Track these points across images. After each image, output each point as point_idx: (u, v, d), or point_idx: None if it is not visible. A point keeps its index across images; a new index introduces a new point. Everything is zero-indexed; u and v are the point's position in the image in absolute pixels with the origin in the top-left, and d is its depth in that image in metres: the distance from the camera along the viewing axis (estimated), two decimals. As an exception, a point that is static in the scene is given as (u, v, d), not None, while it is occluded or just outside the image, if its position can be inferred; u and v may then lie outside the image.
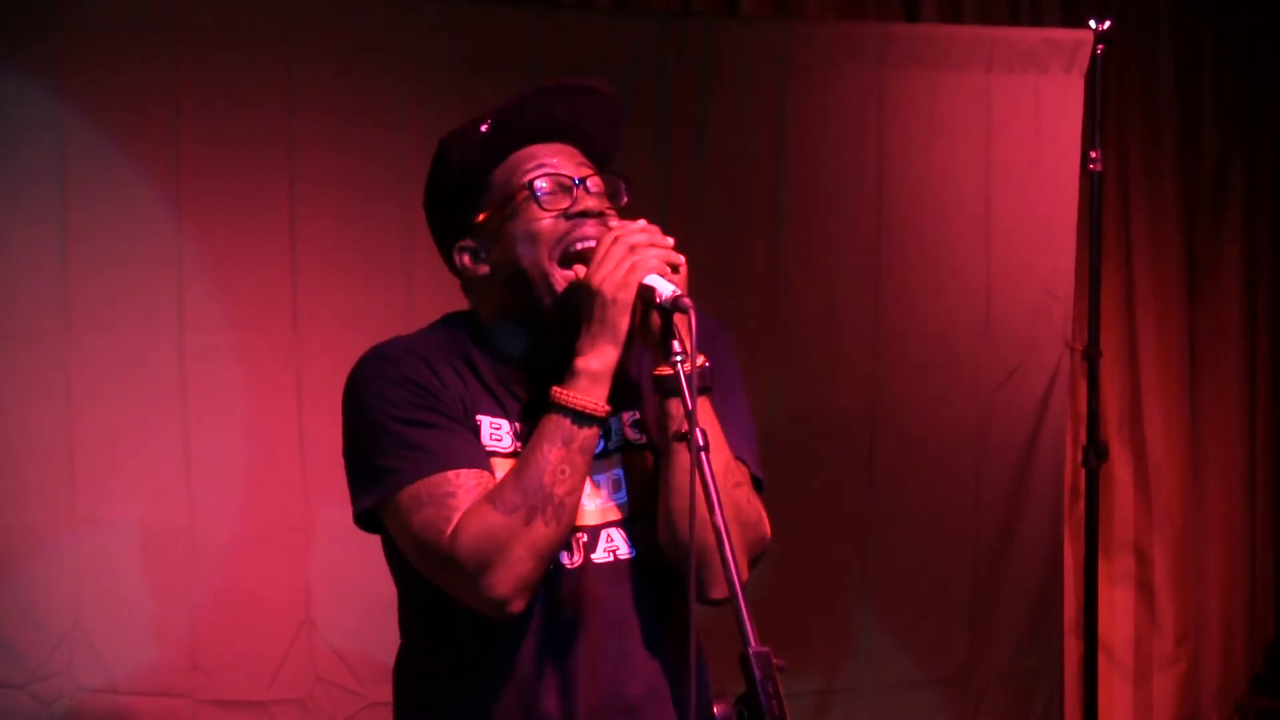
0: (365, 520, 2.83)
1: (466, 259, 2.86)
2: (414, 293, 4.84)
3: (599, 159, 2.88)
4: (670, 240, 2.69)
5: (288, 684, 4.77)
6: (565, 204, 2.75)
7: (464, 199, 2.86)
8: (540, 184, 2.77)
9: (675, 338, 2.56)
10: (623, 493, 2.81)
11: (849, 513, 5.27)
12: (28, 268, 4.62)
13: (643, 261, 2.61)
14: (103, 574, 4.65)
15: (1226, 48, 5.86)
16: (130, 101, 4.68)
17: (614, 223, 2.73)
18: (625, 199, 2.84)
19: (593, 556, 2.77)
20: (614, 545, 2.79)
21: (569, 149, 2.83)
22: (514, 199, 2.78)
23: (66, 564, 4.63)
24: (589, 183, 2.78)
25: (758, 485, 2.84)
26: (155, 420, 4.68)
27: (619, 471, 2.81)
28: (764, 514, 2.81)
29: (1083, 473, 5.24)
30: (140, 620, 4.69)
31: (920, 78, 5.28)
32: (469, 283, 2.89)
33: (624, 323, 2.62)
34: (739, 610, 2.34)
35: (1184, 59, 5.82)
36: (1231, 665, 5.97)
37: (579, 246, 2.71)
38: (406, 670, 2.95)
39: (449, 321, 2.94)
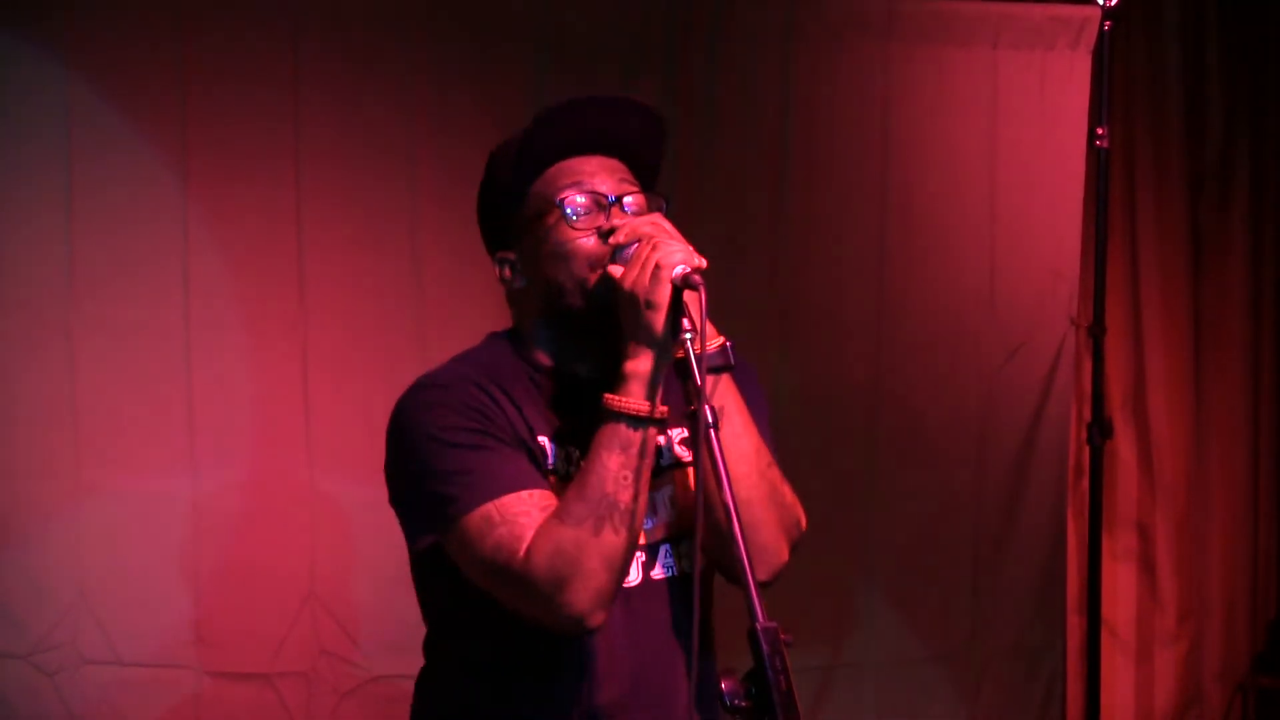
0: (423, 555, 2.75)
1: (506, 271, 2.82)
2: (420, 263, 4.85)
3: (642, 172, 2.83)
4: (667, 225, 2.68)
5: (292, 657, 4.78)
6: (599, 222, 2.71)
7: (507, 209, 2.82)
8: (572, 202, 2.72)
9: (685, 315, 2.54)
10: (672, 510, 2.79)
11: (852, 489, 5.28)
12: (34, 237, 4.63)
13: (667, 258, 2.57)
14: (107, 545, 4.66)
15: (1233, 23, 5.84)
16: (136, 74, 4.69)
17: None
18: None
19: (651, 574, 2.76)
20: (669, 562, 2.78)
21: (610, 162, 2.78)
22: (547, 216, 2.74)
23: (70, 535, 4.65)
24: (626, 201, 2.74)
25: None
26: (160, 391, 4.70)
27: (671, 488, 2.79)
28: (798, 502, 2.80)
29: (1086, 450, 5.23)
30: (144, 592, 4.70)
31: (926, 53, 5.28)
32: (510, 293, 2.86)
33: (658, 322, 2.57)
34: (747, 586, 2.33)
35: (1191, 35, 5.80)
36: (1234, 643, 5.97)
37: (617, 238, 2.67)
38: (436, 704, 2.90)
39: (492, 341, 2.89)
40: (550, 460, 2.72)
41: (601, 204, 2.72)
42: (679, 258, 2.55)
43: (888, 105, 5.27)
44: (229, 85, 4.74)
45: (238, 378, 4.75)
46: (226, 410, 4.74)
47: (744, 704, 2.28)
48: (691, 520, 2.73)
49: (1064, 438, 5.46)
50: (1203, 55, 5.84)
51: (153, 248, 4.71)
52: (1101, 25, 5.10)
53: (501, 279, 2.83)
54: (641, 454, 2.58)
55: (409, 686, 2.99)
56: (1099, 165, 5.08)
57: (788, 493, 2.75)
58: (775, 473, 2.72)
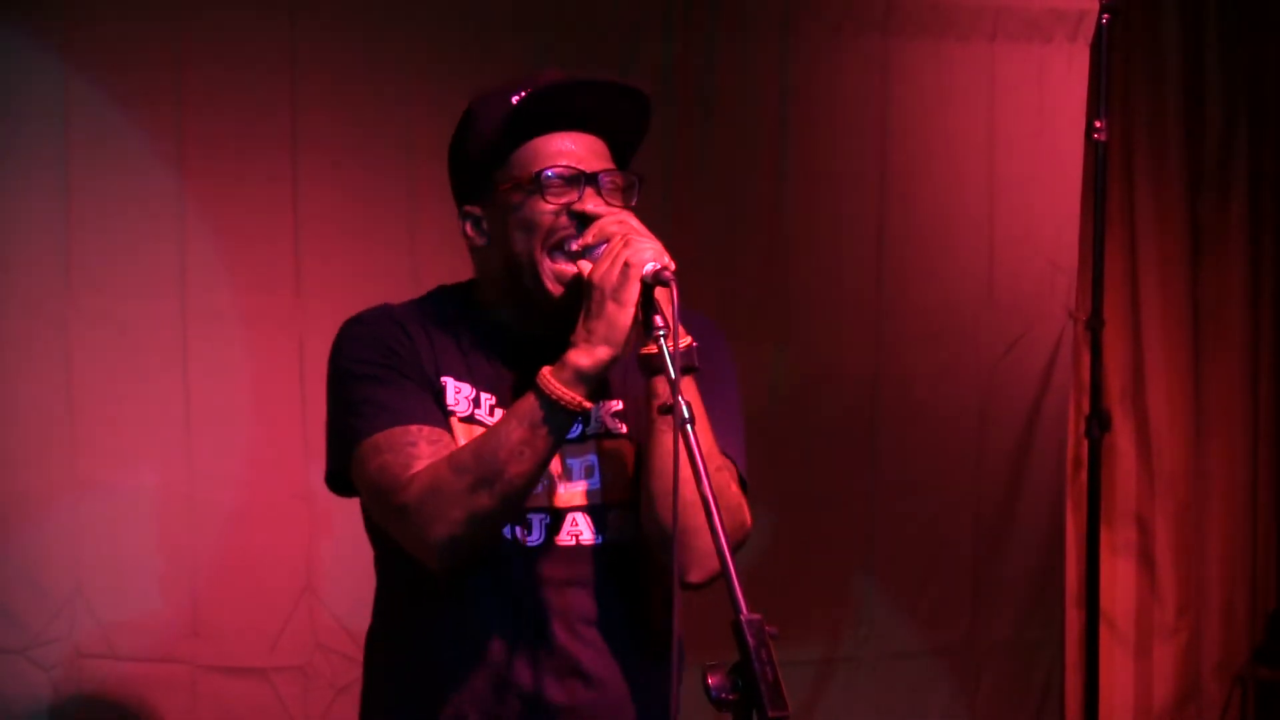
0: (336, 483, 2.87)
1: (469, 226, 2.89)
2: (418, 256, 4.85)
3: (621, 150, 2.87)
4: (633, 221, 2.70)
5: (288, 651, 4.78)
6: (570, 198, 2.75)
7: (482, 167, 2.86)
8: (551, 176, 2.76)
9: (657, 312, 2.56)
10: (595, 479, 2.81)
11: (851, 483, 5.28)
12: (29, 229, 4.62)
13: (638, 256, 2.59)
14: (103, 539, 4.65)
15: (1232, 15, 5.83)
16: (133, 65, 4.68)
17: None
18: (634, 200, 2.82)
19: (556, 538, 2.78)
20: (578, 530, 2.79)
21: (592, 140, 2.82)
22: (524, 185, 2.78)
23: (67, 529, 4.64)
24: (603, 179, 2.77)
25: (742, 484, 2.83)
26: (156, 384, 4.69)
27: (593, 458, 2.82)
28: (745, 504, 2.80)
29: (1085, 443, 5.23)
30: (141, 586, 4.69)
31: (924, 47, 5.28)
32: (470, 248, 2.92)
33: (622, 320, 2.60)
34: (729, 578, 2.33)
35: (1189, 27, 5.79)
36: (1233, 636, 5.97)
37: (574, 245, 2.71)
38: (375, 644, 2.98)
39: (440, 291, 2.99)
40: (451, 400, 2.78)
41: (576, 181, 2.75)
42: (649, 255, 2.58)
43: (886, 98, 5.27)
44: (225, 76, 4.73)
45: (234, 371, 4.75)
46: (223, 403, 4.73)
47: (731, 697, 2.27)
48: (620, 492, 2.79)
49: (1062, 431, 5.46)
50: (1201, 47, 5.83)
51: (149, 240, 4.70)
52: (1099, 18, 5.09)
53: (464, 233, 2.89)
54: (550, 438, 2.62)
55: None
56: (1097, 158, 5.08)
57: (735, 495, 2.75)
58: (723, 476, 2.71)
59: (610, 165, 2.81)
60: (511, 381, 2.80)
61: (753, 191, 5.18)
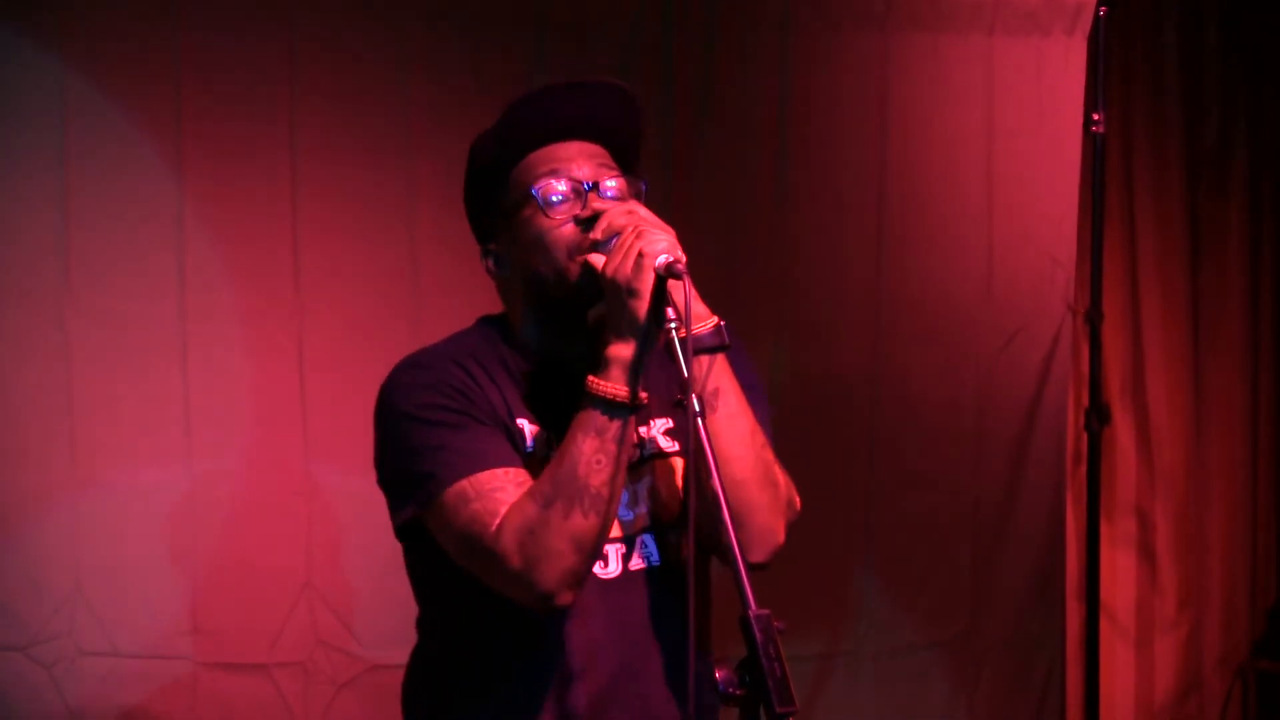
0: (406, 531, 2.79)
1: (491, 263, 2.87)
2: (417, 254, 4.85)
3: (622, 154, 2.85)
4: (643, 211, 2.68)
5: (289, 647, 4.78)
6: (576, 210, 2.73)
7: (488, 199, 2.86)
8: (547, 191, 2.75)
9: (669, 304, 2.55)
10: (655, 499, 2.80)
11: (850, 477, 5.28)
12: (29, 229, 4.62)
13: (650, 247, 2.57)
14: (103, 537, 4.66)
15: (1230, 7, 5.83)
16: (131, 61, 4.68)
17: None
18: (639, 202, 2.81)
19: (630, 566, 2.76)
20: (648, 551, 2.78)
21: (589, 147, 2.80)
22: (524, 206, 2.77)
23: (67, 527, 4.64)
24: (603, 186, 2.75)
25: None
26: (155, 382, 4.69)
27: (651, 479, 2.80)
28: (792, 487, 2.81)
29: (1085, 436, 5.23)
30: (141, 583, 4.70)
31: (923, 41, 5.27)
32: (498, 285, 2.89)
33: (641, 310, 2.58)
34: (738, 573, 2.33)
35: (1187, 20, 5.79)
36: (1233, 629, 5.97)
37: (595, 235, 2.68)
38: (425, 681, 2.93)
39: (482, 325, 2.92)
40: (529, 443, 2.75)
41: (579, 191, 2.73)
42: (662, 246, 2.57)
43: (884, 93, 5.26)
44: (224, 77, 4.73)
45: (233, 369, 4.75)
46: (222, 401, 4.74)
47: (738, 692, 2.27)
48: (675, 509, 2.75)
49: (1062, 424, 5.45)
50: (1200, 40, 5.83)
51: (148, 240, 4.70)
52: (1097, 11, 5.09)
53: (487, 270, 2.87)
54: (619, 439, 2.58)
55: (406, 676, 3.00)
56: (1096, 151, 5.08)
57: (781, 474, 2.75)
58: (769, 454, 2.72)
59: (611, 168, 2.79)
60: (560, 415, 2.71)
61: (752, 187, 5.17)
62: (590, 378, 2.61)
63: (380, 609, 4.75)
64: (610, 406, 2.58)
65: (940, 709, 5.42)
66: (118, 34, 4.67)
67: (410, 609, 2.98)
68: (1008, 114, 5.33)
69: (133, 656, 4.69)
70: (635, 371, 2.60)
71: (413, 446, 2.71)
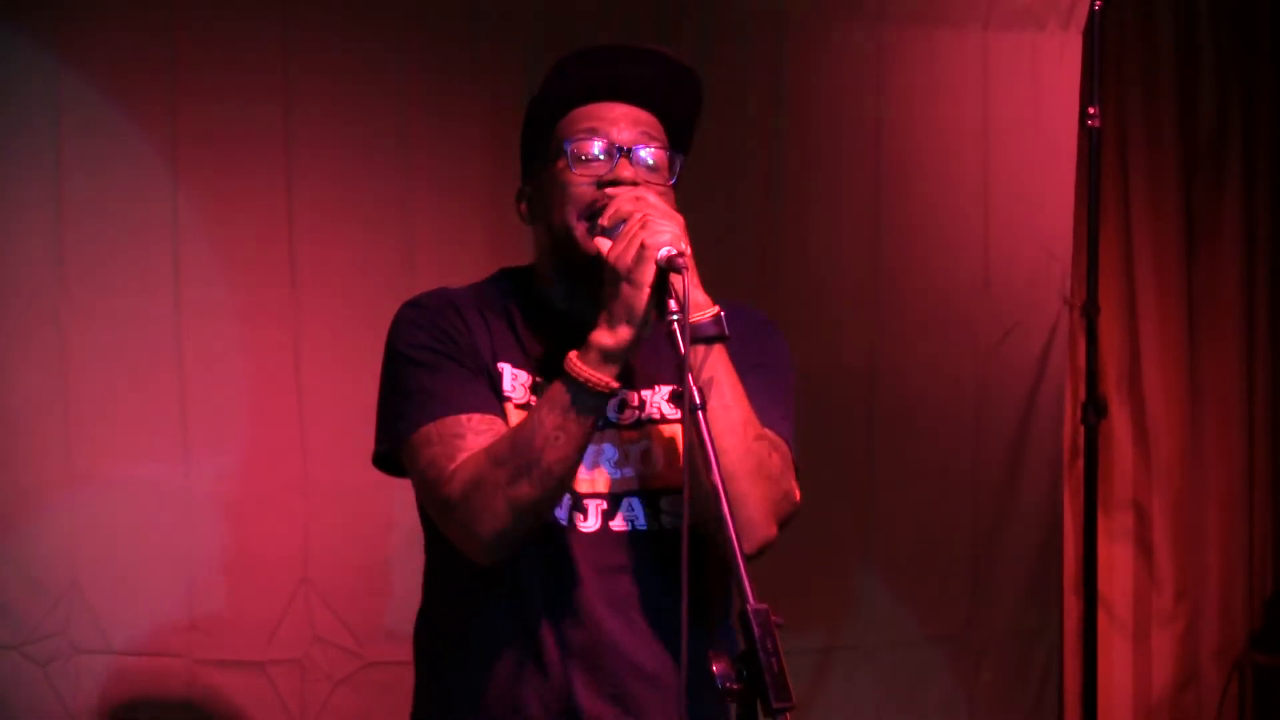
0: (384, 463, 2.88)
1: (522, 205, 2.94)
2: (413, 249, 4.84)
3: (676, 129, 2.89)
4: (653, 198, 2.69)
5: (285, 644, 4.77)
6: (601, 170, 2.76)
7: (535, 144, 2.90)
8: (579, 147, 2.78)
9: (671, 296, 2.55)
10: (649, 464, 2.82)
11: (849, 471, 5.27)
12: (23, 225, 4.62)
13: (654, 238, 2.58)
14: (99, 534, 4.65)
15: (1225, 3, 5.83)
16: (126, 58, 4.67)
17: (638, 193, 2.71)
18: (674, 179, 2.85)
19: (611, 524, 2.78)
20: (633, 515, 2.79)
21: (636, 112, 2.83)
22: (559, 158, 2.81)
23: (62, 524, 4.63)
24: (636, 152, 2.78)
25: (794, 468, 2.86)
26: (151, 378, 4.68)
27: (647, 443, 2.82)
28: (792, 476, 2.83)
29: (1082, 430, 5.22)
30: (137, 580, 4.69)
31: (918, 35, 5.27)
32: (529, 226, 2.94)
33: (639, 300, 2.59)
34: (736, 568, 2.33)
35: (1182, 14, 5.78)
36: (1231, 622, 5.97)
37: (603, 221, 2.71)
38: (425, 631, 2.98)
39: (501, 274, 2.99)
40: (509, 386, 2.80)
41: (611, 153, 2.76)
42: (666, 238, 2.57)
43: (879, 87, 5.27)
44: (219, 71, 4.73)
45: (230, 364, 4.74)
46: (218, 397, 4.73)
47: (736, 686, 2.27)
48: (668, 478, 2.79)
49: (1059, 418, 5.46)
50: (1195, 33, 5.82)
51: (143, 235, 4.69)
52: (1092, 5, 5.08)
53: (519, 214, 2.93)
54: (582, 421, 2.61)
55: (403, 673, 3.01)
56: (1091, 145, 5.07)
57: (776, 465, 2.75)
58: (763, 446, 2.72)
59: (652, 137, 2.82)
60: (558, 370, 2.76)
61: (747, 181, 5.17)
62: (571, 354, 2.63)
63: (377, 606, 4.74)
64: (582, 390, 2.61)
65: (939, 702, 5.43)
66: (111, 29, 4.66)
67: (407, 605, 2.99)
68: (1003, 108, 5.34)
69: (129, 654, 4.68)
70: (617, 360, 2.62)
71: (395, 384, 2.82)
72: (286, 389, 4.76)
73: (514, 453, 2.62)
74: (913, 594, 5.37)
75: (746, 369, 2.77)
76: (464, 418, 2.72)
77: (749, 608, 2.27)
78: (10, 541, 4.61)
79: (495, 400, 2.77)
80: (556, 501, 2.71)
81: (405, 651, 3.00)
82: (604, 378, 2.61)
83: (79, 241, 4.63)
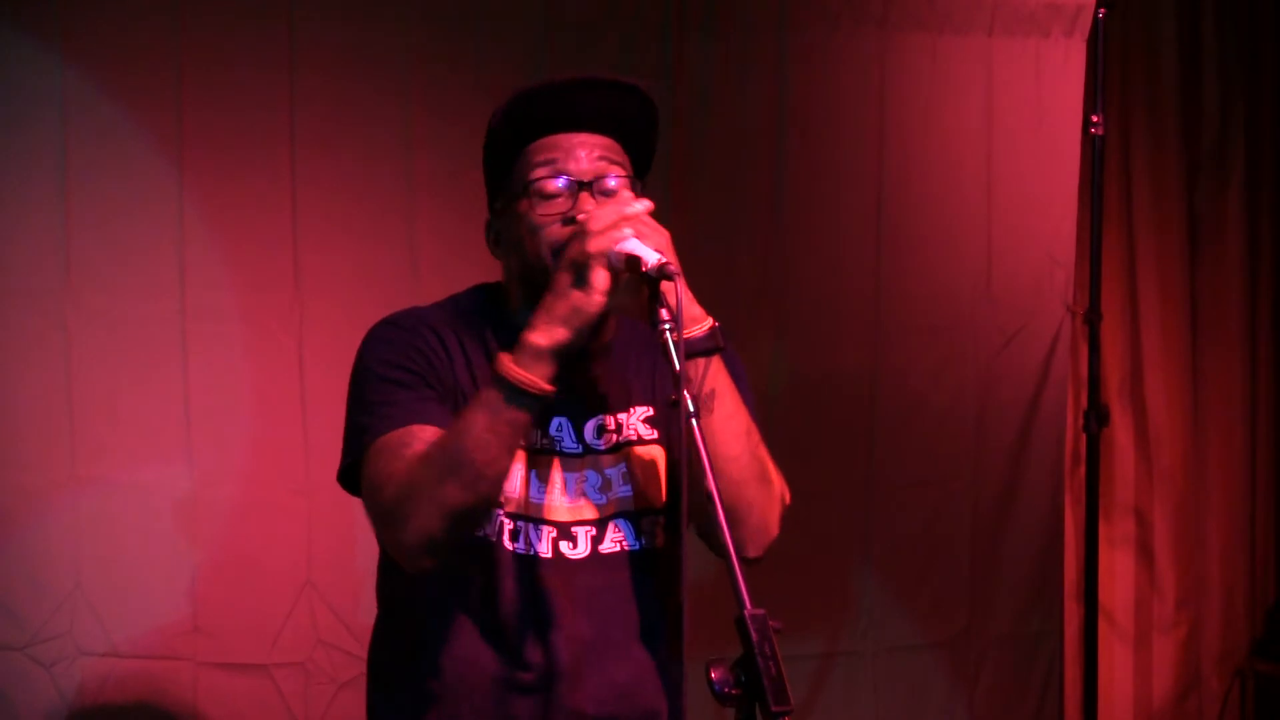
0: (346, 479, 2.86)
1: (492, 238, 2.89)
2: (417, 253, 4.85)
3: (637, 150, 2.84)
4: (640, 207, 2.64)
5: (289, 647, 4.78)
6: (565, 207, 2.73)
7: (496, 175, 2.87)
8: (542, 185, 2.75)
9: (663, 305, 2.52)
10: (629, 486, 2.82)
11: (850, 477, 5.27)
12: (28, 228, 4.62)
13: (604, 237, 2.57)
14: (103, 536, 4.66)
15: (1228, 10, 5.83)
16: (131, 62, 4.68)
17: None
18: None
19: (600, 548, 2.78)
20: (620, 536, 2.79)
21: (593, 139, 2.79)
22: (521, 196, 2.78)
23: (67, 526, 4.64)
24: (601, 183, 2.74)
25: None
26: (156, 381, 4.69)
27: (626, 466, 2.82)
28: (781, 476, 2.82)
29: (1083, 437, 5.24)
30: (141, 583, 4.69)
31: (922, 41, 5.27)
32: (494, 255, 2.92)
33: (586, 306, 2.57)
34: (733, 573, 2.33)
35: (1186, 22, 5.79)
36: (1232, 629, 5.97)
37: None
38: (379, 647, 2.97)
39: (475, 293, 2.96)
40: None
41: (573, 189, 2.73)
42: (631, 247, 2.55)
43: (883, 93, 5.26)
44: (224, 75, 4.73)
45: (234, 368, 4.75)
46: (223, 401, 4.74)
47: (734, 691, 2.28)
48: (651, 498, 2.81)
49: (1061, 424, 5.46)
50: (1198, 41, 5.83)
51: (148, 238, 4.70)
52: (1096, 12, 5.12)
53: (488, 242, 2.90)
54: (514, 424, 2.58)
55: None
56: (1094, 152, 5.10)
57: (773, 469, 2.76)
58: (764, 450, 2.73)
59: (612, 162, 2.78)
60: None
61: (751, 186, 5.17)
62: (502, 355, 2.61)
63: (380, 609, 4.76)
64: (513, 391, 2.58)
65: (939, 709, 5.43)
66: (117, 32, 4.66)
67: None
68: (1007, 115, 5.33)
69: (133, 656, 4.69)
70: (551, 360, 2.59)
71: (361, 399, 2.81)
72: (290, 392, 4.76)
73: (444, 455, 2.59)
74: (913, 600, 5.37)
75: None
76: (416, 428, 2.70)
77: (746, 613, 2.27)
78: (15, 543, 4.62)
79: (449, 418, 2.73)
80: (489, 507, 2.68)
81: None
82: (535, 379, 2.58)
83: (84, 245, 4.64)
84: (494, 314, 2.87)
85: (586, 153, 2.77)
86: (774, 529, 2.76)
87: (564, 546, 2.77)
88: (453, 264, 4.81)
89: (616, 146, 2.80)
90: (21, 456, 4.62)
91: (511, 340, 2.72)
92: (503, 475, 2.65)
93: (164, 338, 4.70)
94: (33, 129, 4.62)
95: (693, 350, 2.56)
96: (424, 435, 2.68)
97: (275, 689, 4.80)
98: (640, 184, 2.82)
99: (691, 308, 2.61)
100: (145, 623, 4.70)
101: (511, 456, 2.64)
